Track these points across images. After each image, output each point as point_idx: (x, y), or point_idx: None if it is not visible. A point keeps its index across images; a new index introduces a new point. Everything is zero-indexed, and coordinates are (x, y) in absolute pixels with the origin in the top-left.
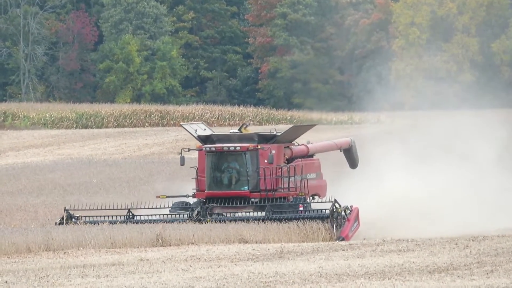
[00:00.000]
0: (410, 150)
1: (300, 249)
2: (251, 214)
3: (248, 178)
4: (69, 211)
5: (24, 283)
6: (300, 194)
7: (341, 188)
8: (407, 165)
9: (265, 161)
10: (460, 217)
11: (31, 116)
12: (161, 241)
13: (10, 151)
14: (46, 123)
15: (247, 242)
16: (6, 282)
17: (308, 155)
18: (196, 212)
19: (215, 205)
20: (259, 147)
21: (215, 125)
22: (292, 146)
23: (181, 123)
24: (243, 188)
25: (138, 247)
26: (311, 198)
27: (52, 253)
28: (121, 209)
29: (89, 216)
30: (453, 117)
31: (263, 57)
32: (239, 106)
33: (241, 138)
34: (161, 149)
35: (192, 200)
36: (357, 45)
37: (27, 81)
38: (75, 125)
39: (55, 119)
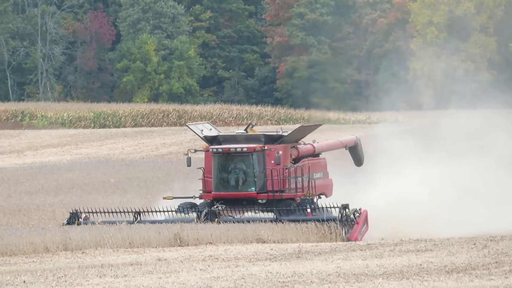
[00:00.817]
0: (427, 149)
1: (318, 249)
2: (259, 215)
3: (255, 179)
4: (77, 211)
5: (42, 283)
6: (308, 195)
7: (356, 186)
8: (424, 164)
9: (272, 161)
10: (478, 216)
11: (49, 116)
12: (179, 241)
13: (28, 151)
14: (64, 123)
15: (265, 242)
16: (24, 282)
17: (314, 154)
18: (204, 213)
19: (223, 206)
20: (266, 147)
21: (233, 124)
22: (299, 146)
23: (187, 124)
24: (250, 189)
25: (156, 247)
26: (317, 197)
27: (70, 252)
28: (129, 212)
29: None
30: (471, 116)
31: (281, 57)
32: (257, 105)
33: (248, 138)
34: (179, 148)
35: (198, 201)
36: (374, 44)
37: (44, 81)
38: (92, 125)
39: (73, 119)
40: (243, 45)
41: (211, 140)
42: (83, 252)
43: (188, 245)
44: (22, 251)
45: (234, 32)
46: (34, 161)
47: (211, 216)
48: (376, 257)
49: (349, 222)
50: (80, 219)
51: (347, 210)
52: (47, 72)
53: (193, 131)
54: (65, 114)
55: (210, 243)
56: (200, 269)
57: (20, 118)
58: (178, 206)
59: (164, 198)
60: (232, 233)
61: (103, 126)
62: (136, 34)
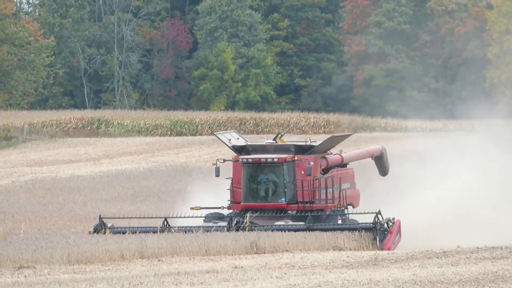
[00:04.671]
0: (490, 158)
1: (394, 256)
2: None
3: (285, 190)
4: (103, 219)
5: None
6: (339, 206)
7: (415, 193)
8: (492, 170)
9: (302, 172)
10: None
11: (125, 124)
12: (255, 249)
13: (104, 159)
14: (140, 131)
15: (341, 249)
16: None
17: (342, 164)
18: (234, 221)
19: (253, 215)
20: (296, 158)
21: (310, 132)
22: (327, 156)
23: (214, 133)
24: (280, 200)
25: (232, 255)
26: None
27: (146, 260)
28: (156, 217)
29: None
30: None
31: (358, 65)
32: (334, 113)
33: (278, 148)
34: None
35: (226, 212)
36: (452, 53)
37: (121, 89)
38: (169, 133)
39: (149, 127)
40: (320, 53)
41: (239, 149)
42: (159, 260)
43: (264, 252)
44: (98, 258)
45: (311, 40)
46: (110, 169)
47: (243, 226)
48: (452, 265)
49: (383, 231)
50: (107, 227)
51: (380, 217)
52: (123, 80)
53: (221, 140)
54: (141, 122)
55: (287, 250)
56: (277, 277)
57: (96, 126)
58: (205, 216)
59: (192, 208)
60: (309, 240)
61: (180, 134)
62: (213, 42)
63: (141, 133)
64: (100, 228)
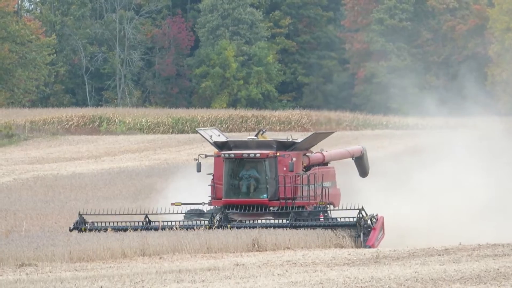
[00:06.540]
0: (492, 155)
1: (396, 254)
2: (273, 221)
3: (267, 186)
4: (83, 215)
5: None
6: (321, 203)
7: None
8: (484, 169)
9: (284, 168)
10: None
11: (127, 121)
12: (257, 246)
13: (106, 156)
14: (142, 128)
15: (343, 247)
16: (101, 287)
17: (323, 163)
18: (217, 219)
19: (235, 211)
20: (278, 154)
21: (311, 130)
22: (309, 154)
23: (196, 129)
24: (262, 196)
25: (234, 252)
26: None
27: (148, 258)
28: (136, 214)
29: (101, 222)
30: None
31: (359, 63)
32: (335, 111)
33: (260, 145)
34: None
35: (206, 208)
36: (453, 50)
37: (123, 86)
38: (171, 130)
39: (151, 124)
40: (322, 51)
41: (221, 145)
42: (160, 258)
43: (266, 250)
44: (99, 256)
45: (312, 38)
46: (112, 167)
47: (224, 222)
48: (453, 262)
49: (366, 227)
50: (86, 224)
51: (364, 214)
52: (125, 77)
53: (203, 136)
54: (143, 120)
55: (288, 248)
56: (278, 274)
57: (98, 123)
58: (186, 213)
59: (173, 204)
60: (310, 238)
61: (182, 131)
62: (215, 40)
63: (142, 131)
64: (80, 225)
